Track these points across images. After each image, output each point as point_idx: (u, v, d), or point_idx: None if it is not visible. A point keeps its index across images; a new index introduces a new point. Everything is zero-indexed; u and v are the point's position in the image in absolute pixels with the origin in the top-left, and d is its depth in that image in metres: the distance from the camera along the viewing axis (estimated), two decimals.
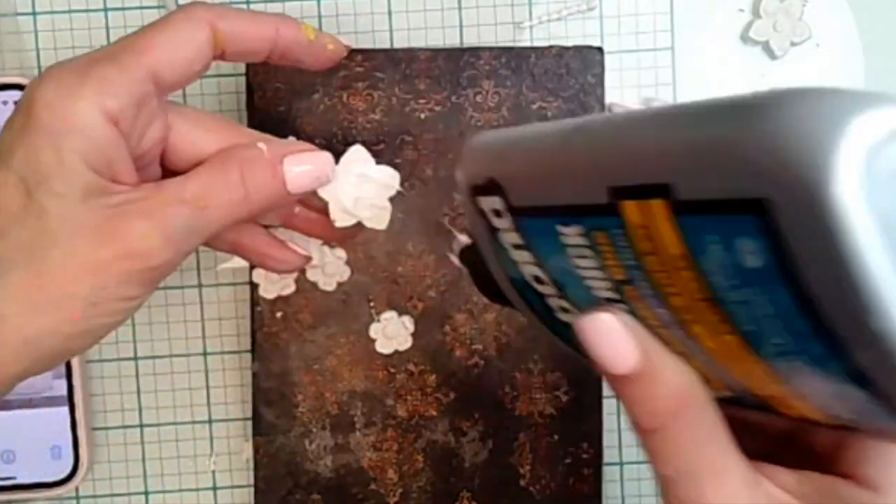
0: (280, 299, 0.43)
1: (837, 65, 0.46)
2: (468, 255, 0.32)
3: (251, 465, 0.44)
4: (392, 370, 0.44)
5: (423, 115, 0.43)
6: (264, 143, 0.34)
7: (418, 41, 0.46)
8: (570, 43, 0.44)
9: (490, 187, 0.27)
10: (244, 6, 0.45)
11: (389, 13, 0.46)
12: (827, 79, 0.46)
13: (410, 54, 0.43)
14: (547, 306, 0.29)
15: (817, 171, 0.18)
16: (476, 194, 0.28)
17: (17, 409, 0.45)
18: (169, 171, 0.35)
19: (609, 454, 0.46)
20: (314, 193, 0.36)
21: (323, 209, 0.37)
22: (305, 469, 0.44)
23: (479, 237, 0.29)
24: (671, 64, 0.46)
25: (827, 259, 0.18)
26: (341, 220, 0.37)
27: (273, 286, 0.43)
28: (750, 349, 0.22)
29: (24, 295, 0.30)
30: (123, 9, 0.46)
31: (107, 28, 0.46)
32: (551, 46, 0.43)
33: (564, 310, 0.29)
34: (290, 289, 0.43)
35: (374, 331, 0.43)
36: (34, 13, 0.45)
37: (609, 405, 0.46)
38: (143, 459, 0.47)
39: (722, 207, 0.20)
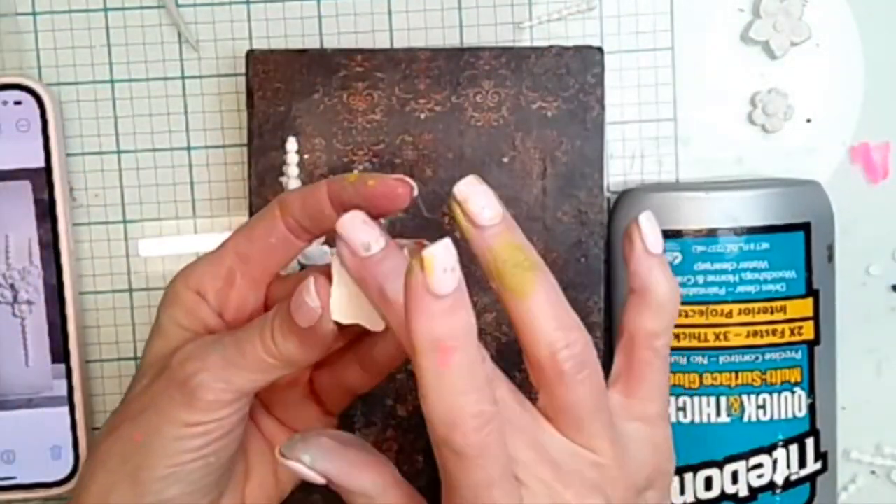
0: None
1: (837, 65, 0.46)
2: None
3: None
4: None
5: (423, 115, 0.43)
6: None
7: (418, 41, 0.46)
8: (570, 43, 0.44)
9: None
10: (244, 6, 0.45)
11: (389, 13, 0.46)
12: (827, 79, 0.46)
13: (410, 54, 0.43)
14: None
15: None
16: None
17: (17, 409, 0.45)
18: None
19: None
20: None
21: None
22: None
23: None
24: (671, 64, 0.46)
25: None
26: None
27: None
28: None
29: None
30: (123, 9, 0.46)
31: (107, 28, 0.46)
32: (551, 46, 0.43)
33: None
34: None
35: None
36: (34, 13, 0.45)
37: None
38: None
39: None
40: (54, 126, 0.44)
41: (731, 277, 0.42)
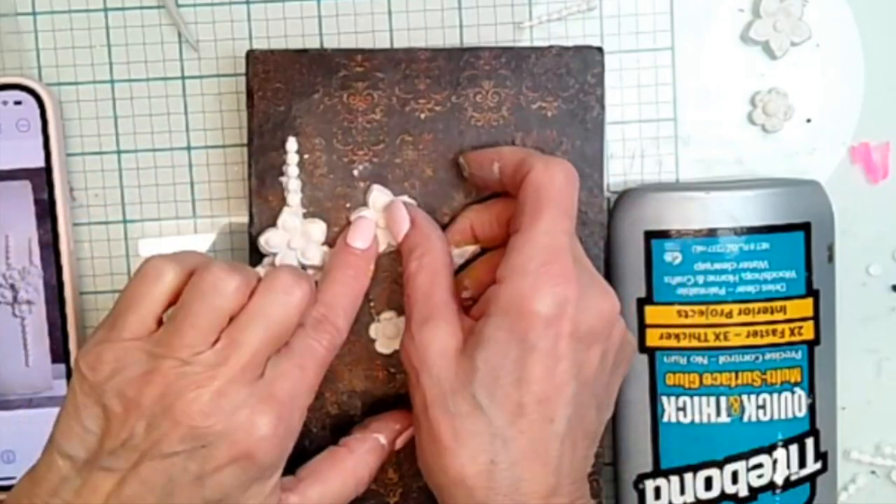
0: None
1: (837, 65, 0.46)
2: None
3: None
4: (392, 370, 0.44)
5: (423, 115, 0.43)
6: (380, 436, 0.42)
7: (418, 41, 0.46)
8: (570, 43, 0.44)
9: None
10: (244, 6, 0.45)
11: (389, 13, 0.46)
12: (827, 79, 0.46)
13: (410, 54, 0.43)
14: None
15: None
16: None
17: (17, 409, 0.45)
18: None
19: (609, 454, 0.46)
20: None
21: None
22: None
23: None
24: (671, 64, 0.46)
25: None
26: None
27: None
28: None
29: None
30: (123, 9, 0.46)
31: (107, 28, 0.46)
32: (551, 46, 0.43)
33: None
34: None
35: (374, 331, 0.43)
36: (34, 13, 0.46)
37: None
38: None
39: None
40: (54, 126, 0.44)
41: (731, 277, 0.42)
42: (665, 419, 0.43)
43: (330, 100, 0.43)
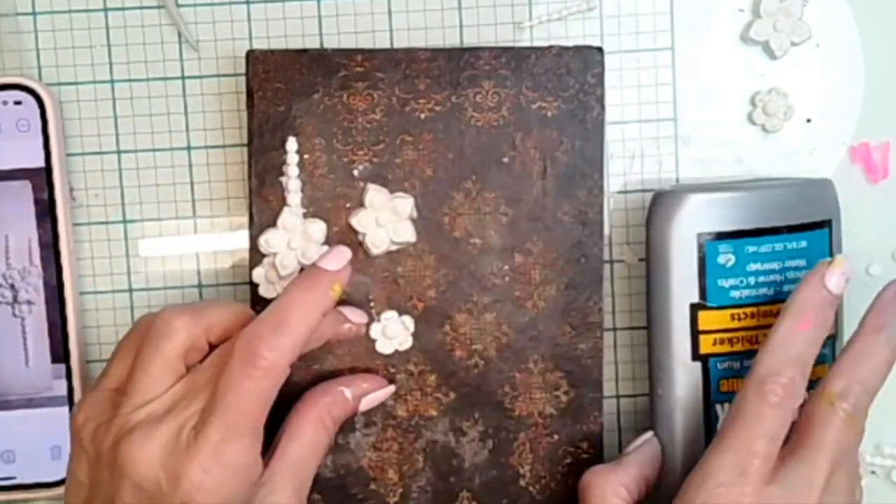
0: None
1: (837, 65, 0.46)
2: None
3: None
4: (392, 370, 0.44)
5: (423, 115, 0.43)
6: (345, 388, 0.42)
7: (418, 41, 0.46)
8: (570, 43, 0.44)
9: None
10: (244, 6, 0.45)
11: (389, 13, 0.46)
12: (827, 79, 0.46)
13: (410, 54, 0.43)
14: None
15: None
16: None
17: (17, 409, 0.45)
18: None
19: (609, 454, 0.46)
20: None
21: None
22: None
23: None
24: (671, 64, 0.46)
25: None
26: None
27: (273, 286, 0.43)
28: None
29: None
30: (123, 9, 0.46)
31: (107, 28, 0.46)
32: (551, 46, 0.43)
33: None
34: None
35: (375, 331, 0.43)
36: (34, 13, 0.46)
37: (609, 405, 0.46)
38: None
39: None
40: (54, 126, 0.44)
41: (777, 277, 0.42)
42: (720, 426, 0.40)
43: (330, 100, 0.43)
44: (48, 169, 0.44)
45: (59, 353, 0.45)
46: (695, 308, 0.41)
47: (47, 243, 0.44)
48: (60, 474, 0.45)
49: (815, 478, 0.37)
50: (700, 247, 0.41)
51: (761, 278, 0.42)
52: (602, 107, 0.43)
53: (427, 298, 0.44)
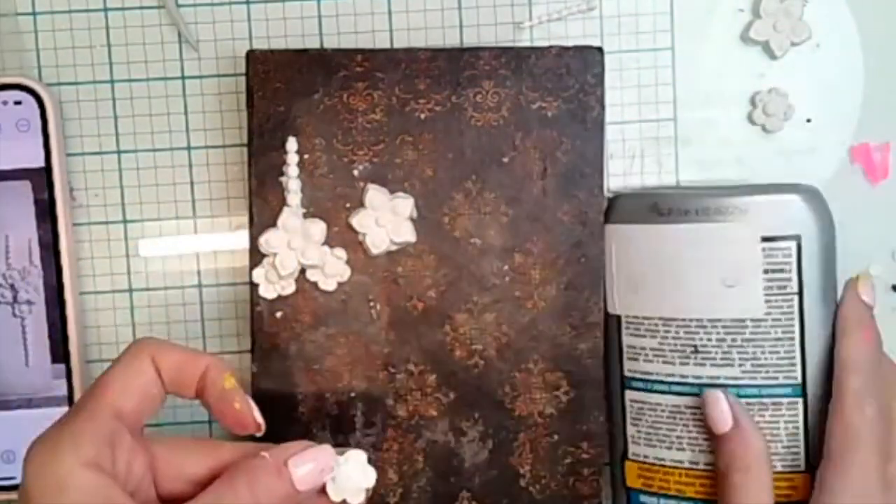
0: (280, 299, 0.43)
1: (837, 65, 0.46)
2: None
3: None
4: (392, 370, 0.44)
5: (423, 115, 0.43)
6: (266, 452, 0.36)
7: (418, 41, 0.46)
8: (570, 43, 0.44)
9: None
10: (244, 6, 0.45)
11: (389, 13, 0.46)
12: (827, 79, 0.46)
13: (410, 54, 0.43)
14: None
15: None
16: None
17: (17, 409, 0.45)
18: (166, 499, 0.37)
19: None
20: (322, 490, 0.37)
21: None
22: None
23: None
24: (671, 64, 0.46)
25: None
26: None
27: (273, 286, 0.43)
28: None
29: None
30: (123, 9, 0.46)
31: (107, 28, 0.46)
32: (551, 46, 0.43)
33: None
34: (290, 289, 0.43)
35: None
36: (34, 13, 0.45)
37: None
38: None
39: None
40: (54, 126, 0.44)
41: None
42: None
43: (330, 100, 0.43)
44: (48, 169, 0.44)
45: (59, 353, 0.45)
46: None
47: (47, 243, 0.44)
48: None
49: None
50: None
51: None
52: (602, 107, 0.43)
53: (427, 298, 0.44)
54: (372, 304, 0.43)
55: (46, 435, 0.34)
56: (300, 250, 0.43)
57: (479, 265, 0.43)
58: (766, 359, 0.41)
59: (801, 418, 0.41)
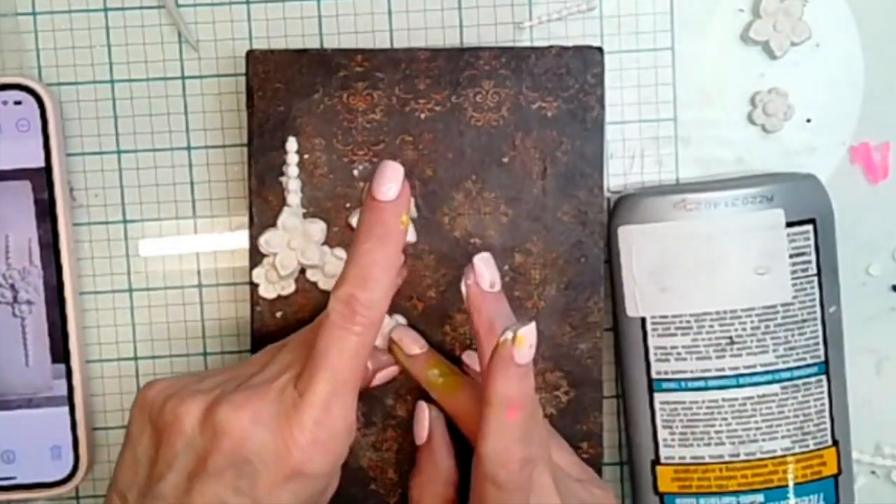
0: (280, 299, 0.43)
1: (837, 65, 0.46)
2: None
3: None
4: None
5: (423, 115, 0.43)
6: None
7: (418, 41, 0.46)
8: (570, 43, 0.44)
9: None
10: (244, 6, 0.45)
11: (389, 13, 0.46)
12: (827, 79, 0.46)
13: (410, 54, 0.43)
14: None
15: None
16: None
17: (17, 409, 0.45)
18: None
19: (609, 454, 0.46)
20: None
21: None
22: None
23: None
24: (671, 64, 0.46)
25: None
26: None
27: (273, 286, 0.43)
28: None
29: None
30: (123, 9, 0.46)
31: (107, 28, 0.46)
32: (551, 46, 0.43)
33: None
34: (290, 289, 0.43)
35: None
36: (34, 13, 0.46)
37: (609, 405, 0.46)
38: None
39: None
40: (54, 126, 0.44)
41: None
42: None
43: (330, 100, 0.43)
44: (48, 169, 0.44)
45: (59, 353, 0.45)
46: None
47: (47, 243, 0.44)
48: (60, 474, 0.45)
49: None
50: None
51: None
52: (602, 107, 0.43)
53: (427, 298, 0.44)
54: None
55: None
56: (300, 250, 0.43)
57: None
58: (795, 341, 0.42)
59: (826, 395, 0.43)
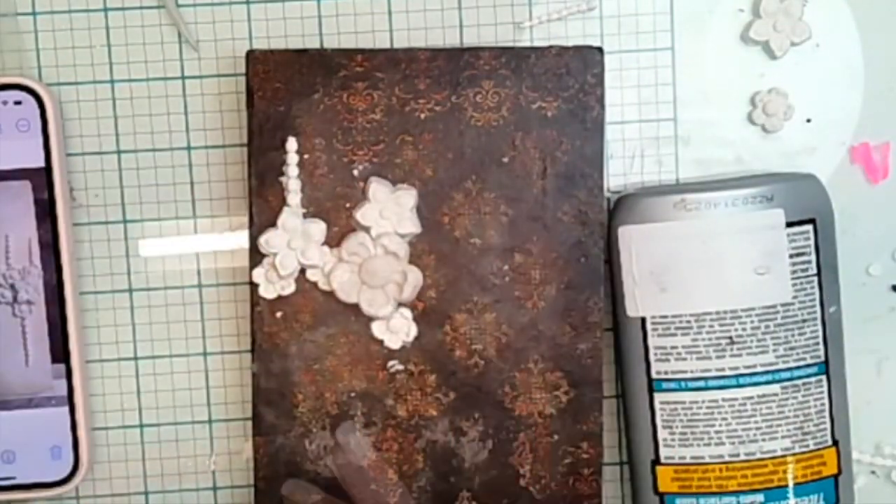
0: (280, 299, 0.43)
1: (837, 65, 0.46)
2: None
3: (251, 465, 0.44)
4: (392, 370, 0.44)
5: (423, 115, 0.43)
6: None
7: (418, 41, 0.46)
8: (570, 43, 0.44)
9: None
10: (244, 6, 0.45)
11: (389, 13, 0.46)
12: (827, 79, 0.46)
13: (410, 54, 0.43)
14: None
15: None
16: None
17: (17, 409, 0.45)
18: None
19: (609, 454, 0.46)
20: None
21: None
22: (305, 469, 0.44)
23: None
24: (671, 64, 0.46)
25: None
26: None
27: (273, 286, 0.43)
28: None
29: None
30: (123, 9, 0.46)
31: (107, 28, 0.46)
32: (551, 46, 0.43)
33: None
34: (290, 289, 0.43)
35: (378, 330, 0.43)
36: (34, 13, 0.46)
37: (609, 405, 0.47)
38: (143, 459, 0.47)
39: None
40: (54, 126, 0.44)
41: None
42: None
43: (330, 100, 0.43)
44: (48, 169, 0.44)
45: (59, 353, 0.45)
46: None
47: (47, 243, 0.44)
48: (60, 474, 0.45)
49: None
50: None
51: None
52: (602, 107, 0.43)
53: (427, 298, 0.44)
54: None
55: None
56: (300, 250, 0.43)
57: (479, 265, 0.43)
58: (795, 341, 0.42)
59: (826, 395, 0.43)
